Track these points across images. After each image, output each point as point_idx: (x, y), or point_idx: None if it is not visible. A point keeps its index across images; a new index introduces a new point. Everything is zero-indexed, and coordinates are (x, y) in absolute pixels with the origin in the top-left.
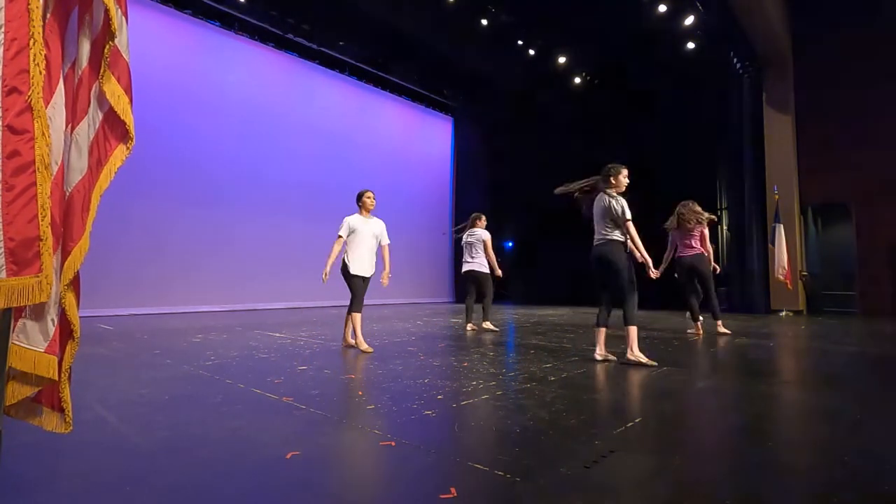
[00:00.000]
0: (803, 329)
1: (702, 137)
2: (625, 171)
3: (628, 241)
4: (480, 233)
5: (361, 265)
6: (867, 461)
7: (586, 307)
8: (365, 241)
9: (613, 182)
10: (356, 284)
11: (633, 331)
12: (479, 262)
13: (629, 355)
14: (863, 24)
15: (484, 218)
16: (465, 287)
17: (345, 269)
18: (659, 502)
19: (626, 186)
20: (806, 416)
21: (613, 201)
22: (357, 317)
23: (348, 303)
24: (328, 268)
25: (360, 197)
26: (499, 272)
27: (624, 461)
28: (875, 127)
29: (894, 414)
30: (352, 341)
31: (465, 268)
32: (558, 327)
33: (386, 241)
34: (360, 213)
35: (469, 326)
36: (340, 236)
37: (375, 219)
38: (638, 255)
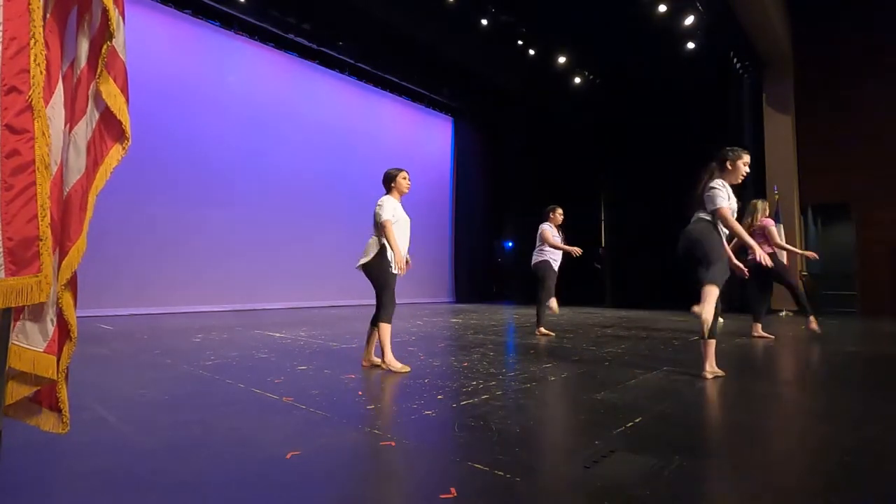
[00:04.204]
0: (803, 329)
1: (701, 137)
2: (746, 157)
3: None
4: (540, 227)
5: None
6: (867, 461)
7: (586, 307)
8: (405, 230)
9: (730, 168)
10: (393, 285)
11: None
12: (534, 256)
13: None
14: (863, 24)
15: (557, 210)
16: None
17: (383, 265)
18: (659, 502)
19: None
20: (806, 416)
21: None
22: (388, 329)
23: (376, 308)
24: (403, 255)
25: (393, 178)
26: (574, 251)
27: (624, 461)
28: (875, 127)
29: (894, 414)
30: (377, 360)
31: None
32: (558, 327)
33: None
34: (392, 196)
35: (541, 331)
36: (389, 220)
37: None
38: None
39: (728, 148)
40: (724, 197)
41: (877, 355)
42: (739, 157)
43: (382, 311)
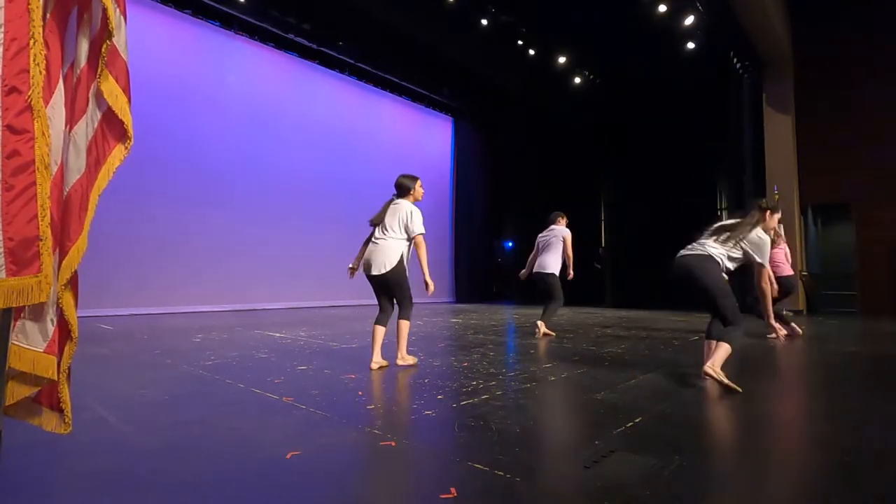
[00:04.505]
0: (803, 329)
1: (701, 137)
2: (780, 215)
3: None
4: (559, 230)
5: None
6: (867, 461)
7: (586, 307)
8: None
9: (767, 218)
10: (409, 284)
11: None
12: (548, 262)
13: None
14: (863, 24)
15: (565, 218)
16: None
17: (402, 270)
18: (659, 502)
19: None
20: (805, 416)
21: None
22: (408, 326)
23: (395, 310)
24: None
25: (411, 187)
26: (570, 275)
27: (624, 461)
28: (875, 127)
29: (894, 414)
30: (385, 362)
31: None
32: (558, 327)
33: None
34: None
35: (541, 330)
36: (422, 235)
37: None
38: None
39: (765, 198)
40: (769, 252)
41: (877, 355)
42: (777, 212)
43: (403, 311)
